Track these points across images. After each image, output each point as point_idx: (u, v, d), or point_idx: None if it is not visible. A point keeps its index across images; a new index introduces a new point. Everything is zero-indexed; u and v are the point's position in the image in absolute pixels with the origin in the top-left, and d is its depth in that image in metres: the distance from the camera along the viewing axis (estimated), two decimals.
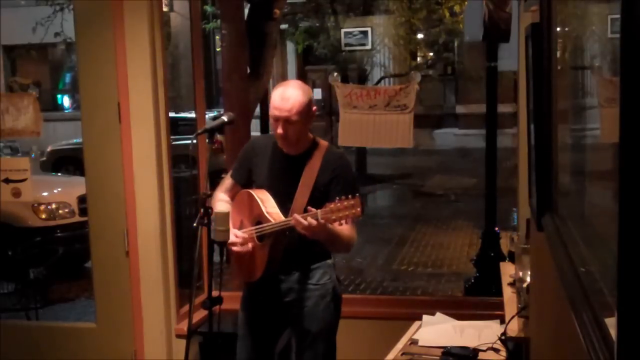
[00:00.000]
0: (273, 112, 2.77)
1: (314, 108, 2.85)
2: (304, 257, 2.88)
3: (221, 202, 2.95)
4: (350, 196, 2.54)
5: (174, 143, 3.83)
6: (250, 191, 2.85)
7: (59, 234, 6.52)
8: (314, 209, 2.58)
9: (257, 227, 2.80)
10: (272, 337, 3.01)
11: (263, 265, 2.82)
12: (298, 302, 2.89)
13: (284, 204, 2.79)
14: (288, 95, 2.75)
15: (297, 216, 2.60)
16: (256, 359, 2.98)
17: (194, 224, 2.71)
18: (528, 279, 2.74)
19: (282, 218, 2.75)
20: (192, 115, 4.55)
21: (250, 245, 2.81)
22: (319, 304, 2.89)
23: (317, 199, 2.72)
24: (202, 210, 2.60)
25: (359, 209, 2.53)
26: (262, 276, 2.84)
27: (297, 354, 2.95)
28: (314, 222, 2.56)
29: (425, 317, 3.28)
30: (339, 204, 2.54)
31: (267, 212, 2.77)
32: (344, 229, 2.67)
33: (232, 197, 2.99)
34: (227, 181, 3.03)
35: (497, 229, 5.26)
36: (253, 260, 2.85)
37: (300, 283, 2.89)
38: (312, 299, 2.88)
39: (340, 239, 2.74)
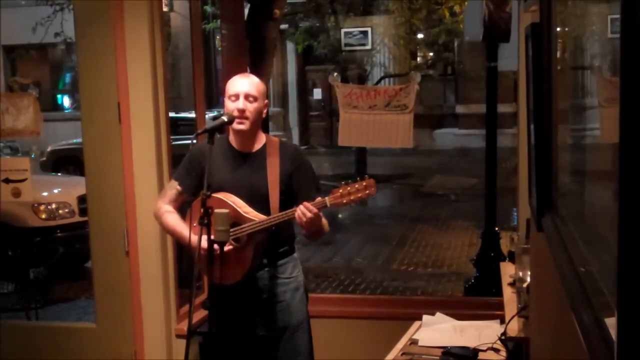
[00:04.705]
0: (233, 89, 2.82)
1: (267, 102, 2.92)
2: (273, 253, 2.89)
3: (170, 213, 2.93)
4: (364, 177, 2.66)
5: (174, 143, 3.83)
6: (219, 195, 2.77)
7: (59, 234, 6.51)
8: (319, 198, 2.67)
9: (247, 225, 2.75)
10: (247, 336, 2.97)
11: (247, 265, 2.80)
12: (274, 297, 2.90)
13: (258, 202, 2.79)
14: (247, 75, 2.92)
15: (308, 205, 2.63)
16: (232, 358, 2.94)
17: (194, 224, 2.71)
18: (528, 279, 2.74)
19: (262, 216, 2.75)
20: (192, 115, 4.54)
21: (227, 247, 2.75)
22: (294, 297, 2.93)
23: (284, 192, 2.81)
24: (202, 210, 2.60)
25: (373, 189, 2.65)
26: (244, 276, 2.81)
27: (277, 349, 2.92)
28: (315, 211, 2.63)
29: (425, 317, 3.28)
30: (349, 188, 2.64)
31: (245, 212, 2.77)
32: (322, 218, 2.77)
33: (177, 207, 2.95)
34: (172, 191, 2.96)
35: (497, 229, 5.27)
36: (232, 262, 2.78)
37: (272, 279, 2.90)
38: (287, 292, 2.91)
39: (324, 227, 2.82)
